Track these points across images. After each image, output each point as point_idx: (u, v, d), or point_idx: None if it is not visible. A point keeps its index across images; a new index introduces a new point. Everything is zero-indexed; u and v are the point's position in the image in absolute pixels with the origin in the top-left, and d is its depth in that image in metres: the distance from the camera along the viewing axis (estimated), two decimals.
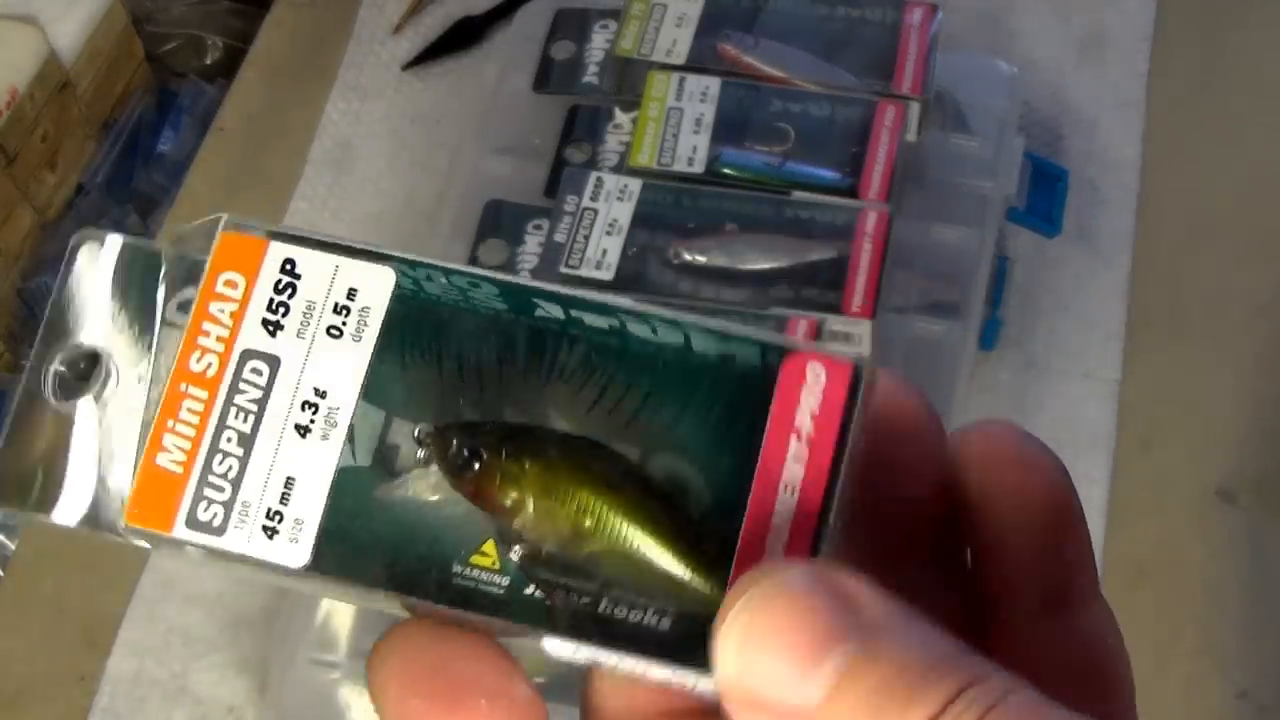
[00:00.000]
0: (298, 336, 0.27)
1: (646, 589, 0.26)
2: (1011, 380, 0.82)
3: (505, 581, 0.26)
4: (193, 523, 0.27)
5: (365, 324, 0.27)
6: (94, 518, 0.27)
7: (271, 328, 0.27)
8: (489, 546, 0.26)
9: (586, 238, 0.74)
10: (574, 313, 0.27)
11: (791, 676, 0.22)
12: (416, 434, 0.27)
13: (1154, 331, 0.84)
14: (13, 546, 0.82)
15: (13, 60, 0.93)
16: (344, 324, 0.27)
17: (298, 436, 0.27)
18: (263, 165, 0.94)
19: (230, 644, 0.76)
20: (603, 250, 0.73)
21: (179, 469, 0.27)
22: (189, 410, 0.27)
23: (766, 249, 0.74)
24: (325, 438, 0.27)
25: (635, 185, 0.75)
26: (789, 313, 0.71)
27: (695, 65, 0.79)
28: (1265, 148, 0.91)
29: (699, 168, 0.76)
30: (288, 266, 0.27)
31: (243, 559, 0.27)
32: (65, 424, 0.28)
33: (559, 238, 0.74)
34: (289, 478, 0.27)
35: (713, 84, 0.78)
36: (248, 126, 0.97)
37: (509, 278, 0.27)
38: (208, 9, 1.08)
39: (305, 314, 0.27)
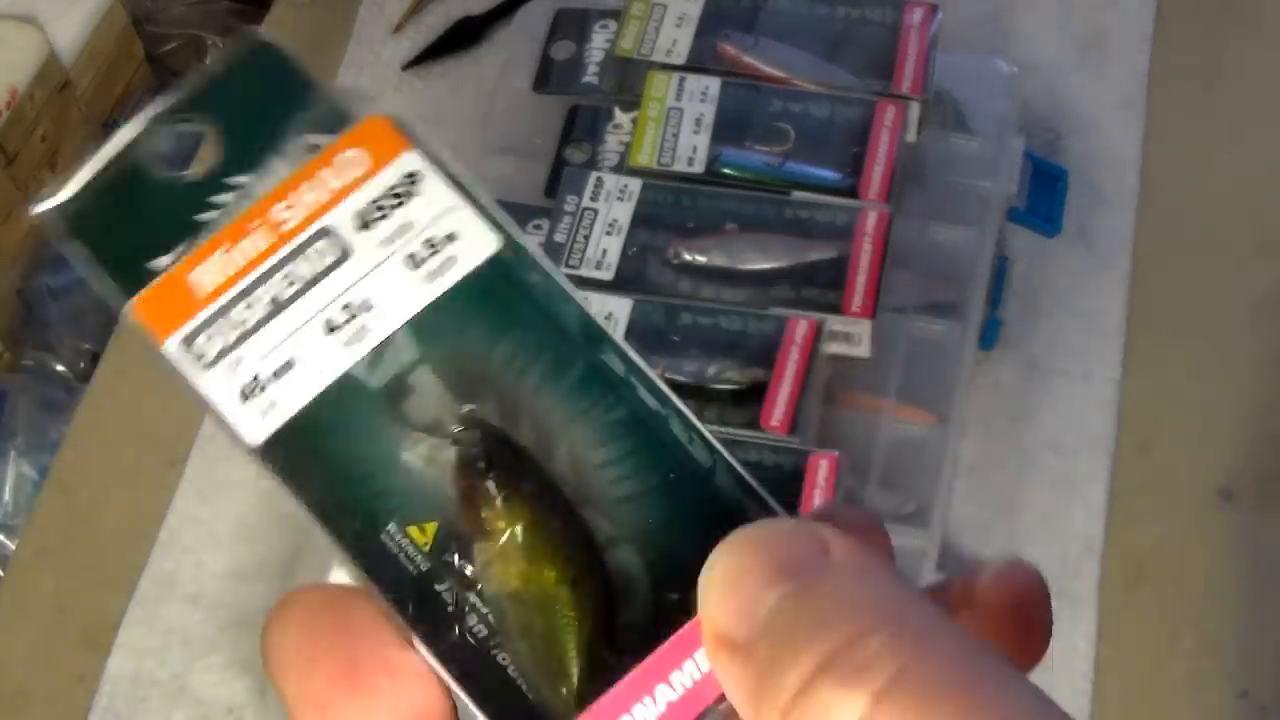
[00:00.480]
0: (379, 245, 0.26)
1: (539, 663, 0.25)
2: (1011, 380, 0.82)
3: (425, 567, 0.26)
4: (186, 344, 0.26)
5: (446, 270, 0.26)
6: (129, 285, 0.26)
7: (361, 222, 0.27)
8: (430, 528, 0.26)
9: (586, 237, 0.74)
10: (633, 379, 0.26)
11: (742, 611, 0.22)
12: (462, 410, 0.26)
13: (1154, 331, 0.84)
14: (12, 546, 0.82)
15: (13, 60, 0.93)
16: (427, 259, 0.26)
17: (323, 330, 0.26)
18: None
19: (230, 644, 0.76)
20: (603, 250, 0.73)
21: (203, 291, 0.26)
22: (246, 247, 0.26)
23: (766, 249, 0.74)
24: (346, 344, 0.26)
25: (635, 185, 0.75)
26: (789, 313, 0.71)
27: (695, 65, 0.79)
28: (1265, 147, 0.91)
29: (699, 168, 0.76)
30: (410, 179, 0.27)
31: (208, 405, 0.26)
32: (149, 187, 0.27)
33: (559, 237, 0.74)
34: (291, 360, 0.26)
35: (713, 84, 0.78)
36: None
37: (594, 316, 0.26)
38: (208, 9, 1.08)
39: (399, 230, 0.26)
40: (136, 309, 0.26)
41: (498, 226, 0.27)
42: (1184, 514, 0.78)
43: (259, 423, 0.26)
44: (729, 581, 0.23)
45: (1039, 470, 0.79)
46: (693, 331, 0.71)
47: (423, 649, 0.25)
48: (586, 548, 0.26)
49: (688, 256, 0.74)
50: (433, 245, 0.26)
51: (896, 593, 0.22)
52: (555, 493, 0.26)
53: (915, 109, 0.78)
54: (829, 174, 0.76)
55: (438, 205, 0.26)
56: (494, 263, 0.26)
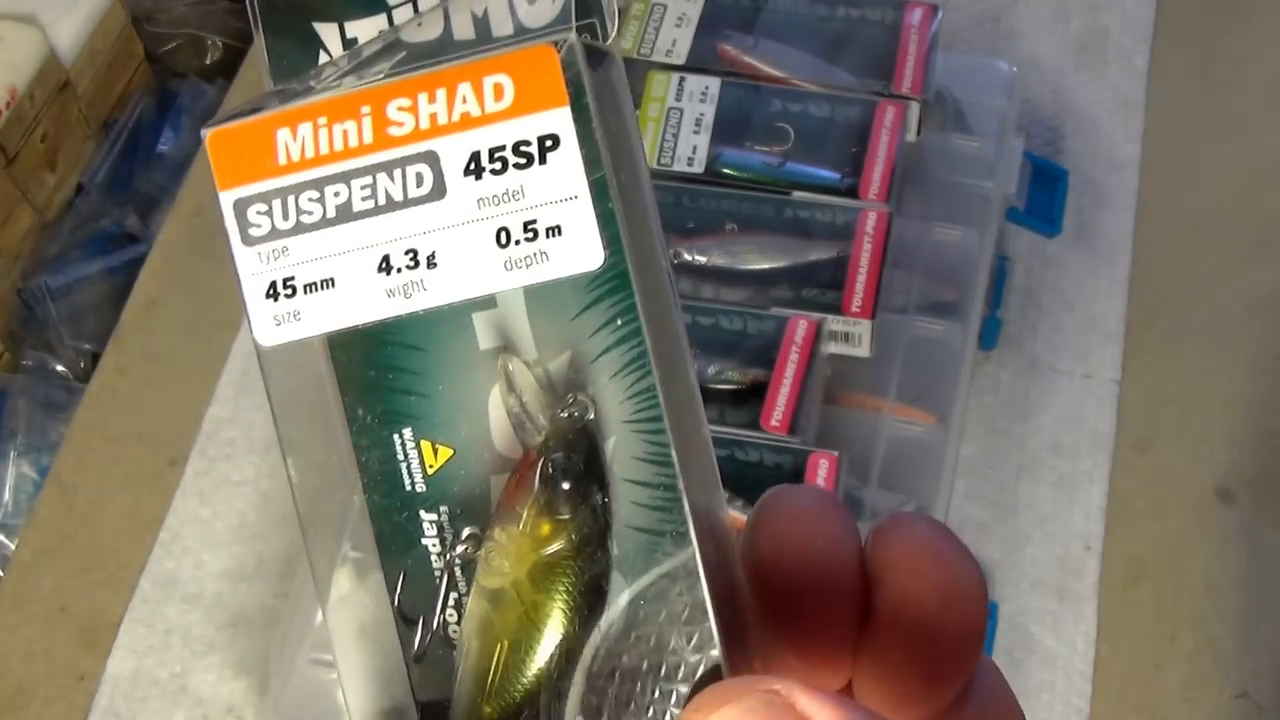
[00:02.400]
0: (478, 202, 0.23)
1: (476, 668, 0.24)
2: (1011, 380, 0.82)
3: (421, 489, 0.24)
4: (240, 207, 0.23)
5: (531, 265, 0.23)
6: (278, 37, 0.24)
7: (472, 165, 0.23)
8: (444, 453, 0.24)
9: None
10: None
11: None
12: (570, 395, 0.23)
13: (1154, 331, 0.84)
14: (12, 546, 0.82)
15: (13, 60, 0.93)
16: (518, 242, 0.23)
17: (376, 265, 0.23)
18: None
19: (230, 644, 0.76)
20: None
21: (282, 157, 0.23)
22: (346, 131, 0.23)
23: (766, 249, 0.74)
24: (389, 294, 0.23)
25: None
26: (789, 313, 0.71)
27: (695, 65, 0.79)
28: (1265, 147, 0.91)
29: (699, 168, 0.76)
30: (547, 142, 0.23)
31: (237, 282, 0.24)
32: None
33: None
34: (332, 279, 0.23)
35: (713, 84, 0.78)
36: None
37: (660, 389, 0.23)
38: (208, 9, 1.08)
39: (507, 194, 0.23)
40: (212, 139, 0.24)
41: (613, 239, 0.23)
42: (1183, 514, 0.78)
43: (273, 329, 0.24)
44: None
45: (1039, 470, 0.79)
46: (693, 331, 0.71)
47: (376, 594, 0.24)
48: (592, 606, 0.24)
49: (688, 257, 0.74)
50: (531, 231, 0.23)
51: None
52: (602, 538, 0.24)
53: (915, 109, 0.78)
54: (829, 174, 0.76)
55: (561, 186, 0.23)
56: (584, 279, 0.23)
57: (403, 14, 0.24)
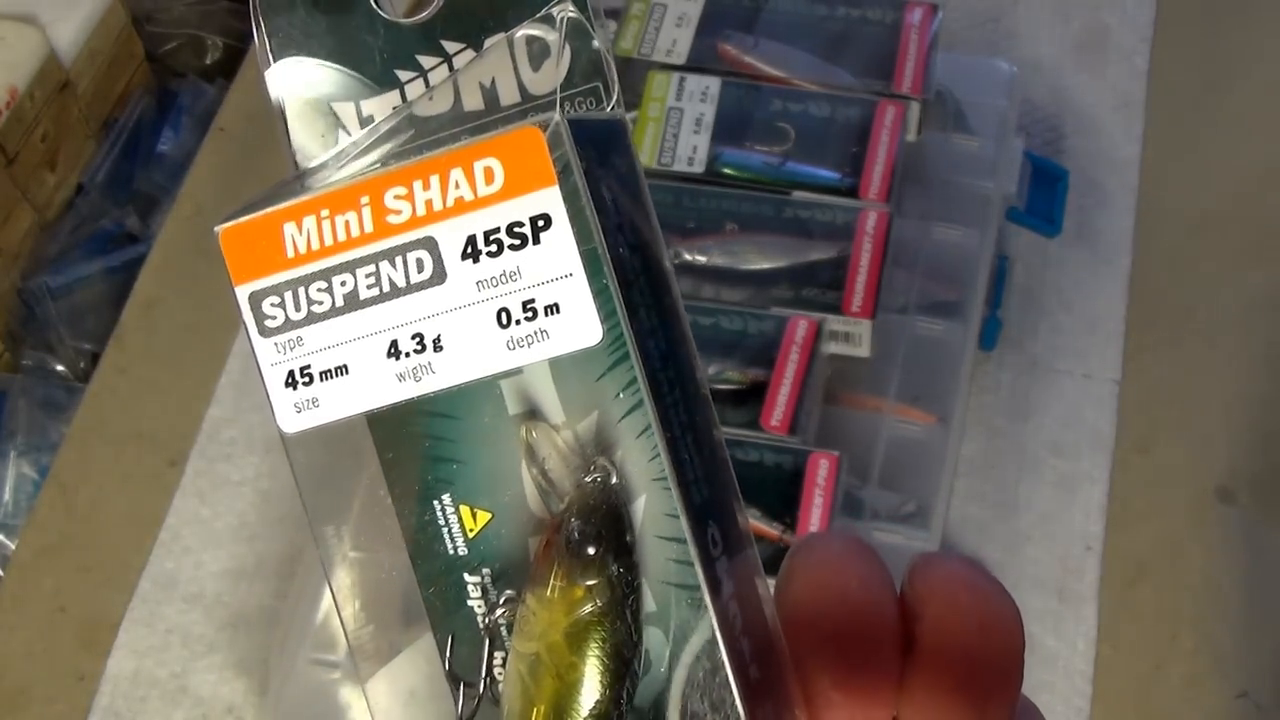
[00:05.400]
0: (477, 284, 0.23)
1: None
2: (1012, 380, 0.82)
3: (463, 553, 0.25)
4: (255, 300, 0.24)
5: (533, 344, 0.23)
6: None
7: (469, 250, 0.23)
8: (482, 517, 0.25)
9: None
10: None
11: None
12: (593, 461, 0.24)
13: (1154, 331, 0.84)
14: (13, 546, 0.82)
15: (13, 60, 0.93)
16: (519, 322, 0.23)
17: (385, 351, 0.24)
18: (263, 165, 0.94)
19: (230, 644, 0.76)
20: None
21: (290, 251, 0.24)
22: (348, 222, 0.24)
23: (766, 249, 0.74)
24: (400, 379, 0.24)
25: None
26: (789, 313, 0.71)
27: (695, 65, 0.79)
28: (1265, 147, 0.91)
29: (699, 167, 0.76)
30: (539, 222, 0.23)
31: (260, 373, 0.25)
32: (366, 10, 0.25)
33: None
34: (345, 367, 0.24)
35: (713, 84, 0.78)
36: (248, 126, 0.97)
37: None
38: (208, 9, 1.08)
39: (504, 276, 0.23)
40: (224, 236, 0.25)
41: (609, 314, 0.23)
42: (1184, 514, 0.78)
43: (294, 416, 0.25)
44: None
45: (1039, 470, 0.79)
46: (693, 331, 0.71)
47: (413, 665, 0.25)
48: (625, 665, 0.24)
49: (688, 257, 0.74)
50: (530, 310, 0.23)
51: None
52: (630, 599, 0.24)
53: (915, 109, 0.78)
54: (829, 174, 0.76)
55: (555, 265, 0.23)
56: (588, 351, 0.23)
57: (414, 89, 0.25)
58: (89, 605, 0.78)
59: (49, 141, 0.96)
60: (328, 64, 0.25)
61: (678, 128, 0.77)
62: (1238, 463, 0.79)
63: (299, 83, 0.26)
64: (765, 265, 0.73)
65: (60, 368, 0.95)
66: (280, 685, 0.71)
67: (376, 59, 0.25)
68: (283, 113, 0.26)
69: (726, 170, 0.76)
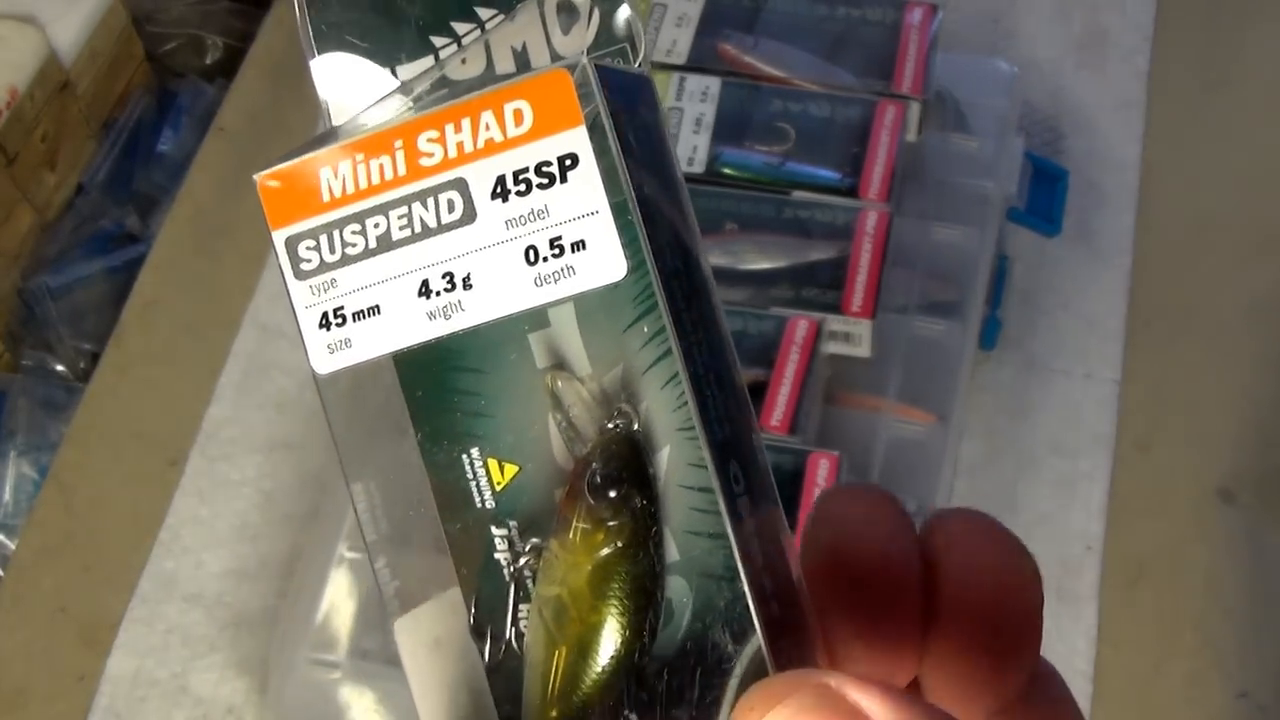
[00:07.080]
0: (505, 223, 0.24)
1: (539, 674, 0.25)
2: (1011, 380, 0.82)
3: (491, 506, 0.25)
4: (291, 244, 0.25)
5: (560, 280, 0.24)
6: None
7: (498, 189, 0.24)
8: (511, 470, 0.25)
9: None
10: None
11: None
12: (616, 408, 0.24)
13: (1154, 331, 0.84)
14: (13, 546, 0.82)
15: (13, 60, 0.93)
16: (546, 259, 0.24)
17: (416, 290, 0.24)
18: (263, 165, 0.94)
19: (230, 644, 0.76)
20: None
21: (325, 195, 0.25)
22: (381, 165, 0.24)
23: (766, 249, 0.74)
24: (430, 317, 0.24)
25: None
26: (789, 313, 0.71)
27: (695, 65, 0.79)
28: (1265, 148, 0.91)
29: (699, 167, 0.76)
30: (566, 161, 0.23)
31: (294, 313, 0.25)
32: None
33: None
34: (378, 307, 0.25)
35: (713, 84, 0.78)
36: (248, 126, 0.97)
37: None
38: (208, 9, 1.08)
39: (532, 214, 0.24)
40: (263, 182, 0.25)
41: (635, 250, 0.23)
42: (1184, 514, 0.78)
43: (327, 357, 0.25)
44: None
45: (1039, 470, 0.79)
46: None
47: (445, 607, 0.25)
48: (644, 607, 0.24)
49: None
50: (558, 247, 0.23)
51: None
52: (656, 541, 0.24)
53: (915, 109, 0.78)
54: (829, 174, 0.76)
55: (582, 202, 0.23)
56: (609, 288, 0.23)
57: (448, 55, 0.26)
58: (89, 605, 0.78)
59: (49, 141, 0.96)
60: (367, 59, 0.26)
61: (678, 128, 0.77)
62: (1238, 462, 0.79)
63: (344, 83, 0.27)
64: (765, 265, 0.73)
65: (60, 368, 0.95)
66: (280, 685, 0.71)
67: (414, 25, 0.26)
68: (328, 113, 0.27)
69: (726, 170, 0.76)
